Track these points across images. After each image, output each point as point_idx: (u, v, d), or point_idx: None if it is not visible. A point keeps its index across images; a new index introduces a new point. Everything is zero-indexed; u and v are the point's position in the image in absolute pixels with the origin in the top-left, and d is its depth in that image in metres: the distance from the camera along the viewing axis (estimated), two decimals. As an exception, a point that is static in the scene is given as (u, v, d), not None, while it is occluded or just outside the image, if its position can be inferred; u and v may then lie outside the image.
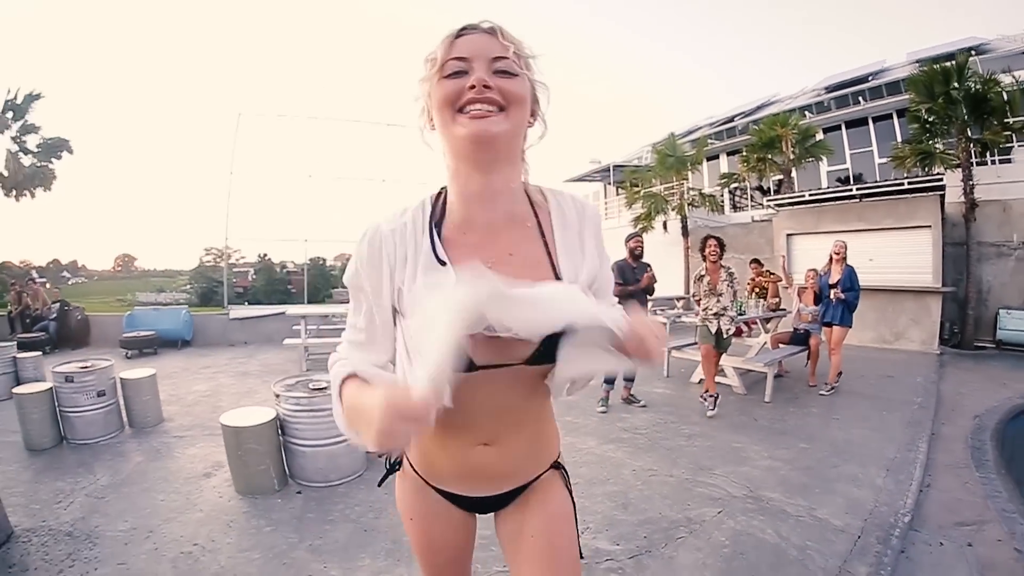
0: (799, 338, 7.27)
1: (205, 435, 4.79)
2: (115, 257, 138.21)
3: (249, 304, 12.92)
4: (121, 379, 5.12)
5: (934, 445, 4.99)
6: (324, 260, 56.70)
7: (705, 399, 5.74)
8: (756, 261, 9.44)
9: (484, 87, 0.89)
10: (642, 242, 5.87)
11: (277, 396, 3.78)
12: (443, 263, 0.97)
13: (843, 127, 17.13)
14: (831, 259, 6.59)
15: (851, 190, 11.51)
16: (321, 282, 46.10)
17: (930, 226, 10.39)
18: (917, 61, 17.13)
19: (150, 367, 5.69)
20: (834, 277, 6.50)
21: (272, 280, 59.10)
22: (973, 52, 15.35)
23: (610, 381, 5.84)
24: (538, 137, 1.03)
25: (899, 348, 10.47)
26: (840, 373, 6.85)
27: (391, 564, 2.68)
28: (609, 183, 24.34)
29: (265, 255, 60.54)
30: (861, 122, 16.77)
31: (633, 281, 5.61)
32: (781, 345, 7.47)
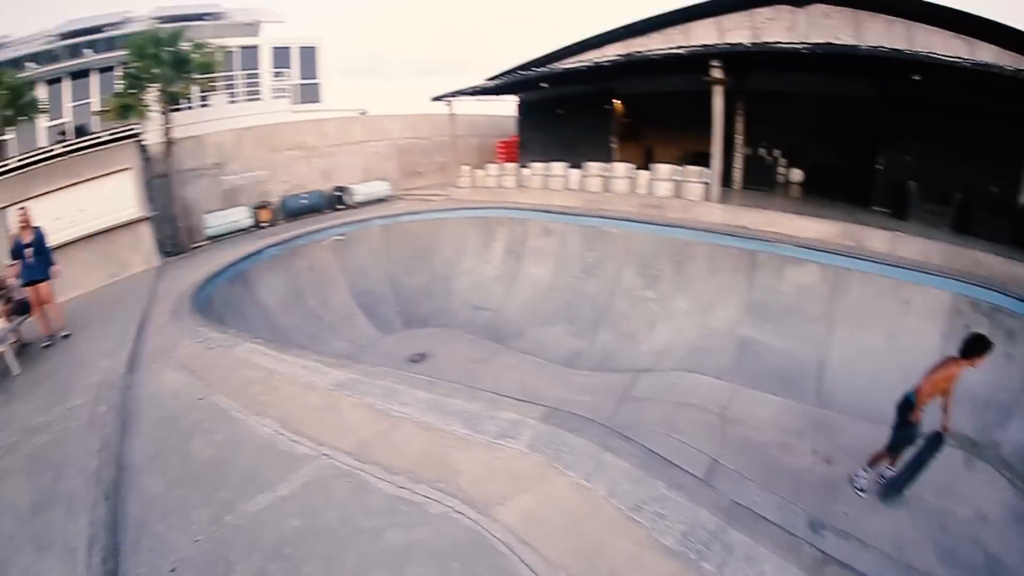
0: (19, 307, 7.32)
1: None
2: None
3: None
4: None
5: (144, 326, 6.97)
6: None
7: None
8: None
9: None
10: None
11: None
12: None
13: (70, 78, 16.70)
14: (21, 227, 7.11)
15: (53, 150, 11.50)
16: None
17: (130, 168, 11.93)
18: (160, 17, 17.92)
19: None
20: (27, 238, 7.04)
21: None
22: (207, 16, 17.68)
23: None
24: None
25: (129, 274, 11.75)
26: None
27: None
28: None
29: None
30: (86, 73, 16.82)
31: None
32: (10, 319, 7.22)
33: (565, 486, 3.21)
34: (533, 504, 3.13)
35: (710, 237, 8.41)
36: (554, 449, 3.50)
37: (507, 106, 17.95)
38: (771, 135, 12.90)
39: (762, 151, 12.54)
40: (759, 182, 10.96)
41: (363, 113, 17.83)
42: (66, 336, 7.32)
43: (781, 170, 13.26)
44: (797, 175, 13.45)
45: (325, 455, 3.71)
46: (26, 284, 7.08)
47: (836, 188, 12.16)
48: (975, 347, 4.86)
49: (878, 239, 8.65)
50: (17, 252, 7.02)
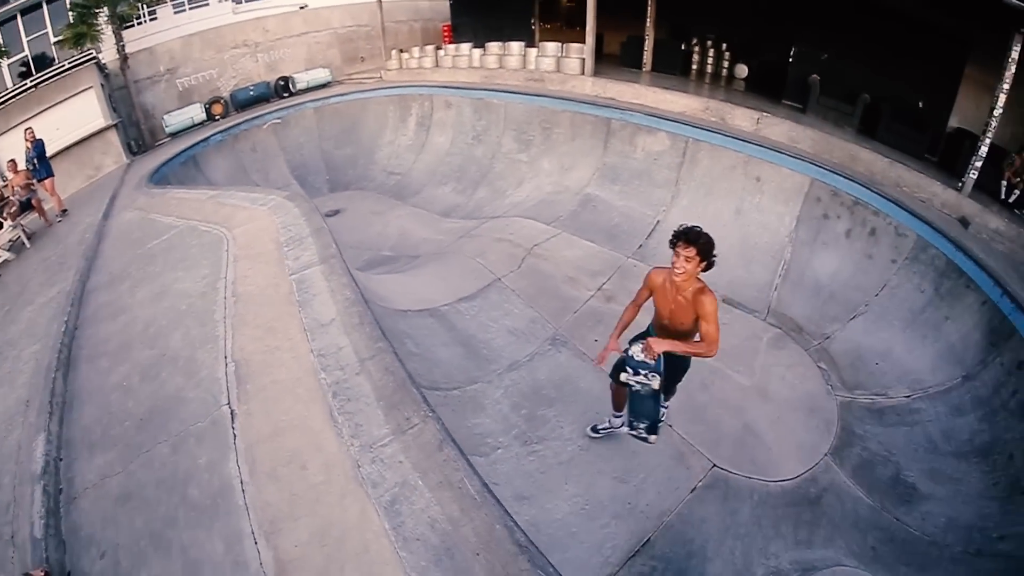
0: (24, 204, 8.99)
1: None
2: None
3: None
4: None
5: (115, 197, 9.39)
6: None
7: None
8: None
9: None
10: None
11: None
12: None
13: (21, 14, 17.37)
14: (28, 142, 9.25)
15: (25, 84, 13.61)
16: None
17: (92, 86, 13.62)
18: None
19: None
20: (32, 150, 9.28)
21: None
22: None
23: None
24: None
25: (104, 173, 12.99)
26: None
27: None
28: None
29: None
30: (38, 5, 17.52)
31: None
32: (17, 217, 8.86)
33: (265, 218, 5.36)
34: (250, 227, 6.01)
35: (572, 105, 9.21)
36: (275, 208, 6.01)
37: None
38: (708, 28, 12.92)
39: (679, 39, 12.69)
40: (668, 66, 11.36)
41: (303, 7, 18.48)
42: (65, 212, 9.59)
43: (723, 63, 13.35)
44: (742, 71, 13.45)
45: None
46: (40, 180, 9.42)
47: (776, 84, 11.66)
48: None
49: (742, 118, 9.14)
50: (30, 159, 9.28)
